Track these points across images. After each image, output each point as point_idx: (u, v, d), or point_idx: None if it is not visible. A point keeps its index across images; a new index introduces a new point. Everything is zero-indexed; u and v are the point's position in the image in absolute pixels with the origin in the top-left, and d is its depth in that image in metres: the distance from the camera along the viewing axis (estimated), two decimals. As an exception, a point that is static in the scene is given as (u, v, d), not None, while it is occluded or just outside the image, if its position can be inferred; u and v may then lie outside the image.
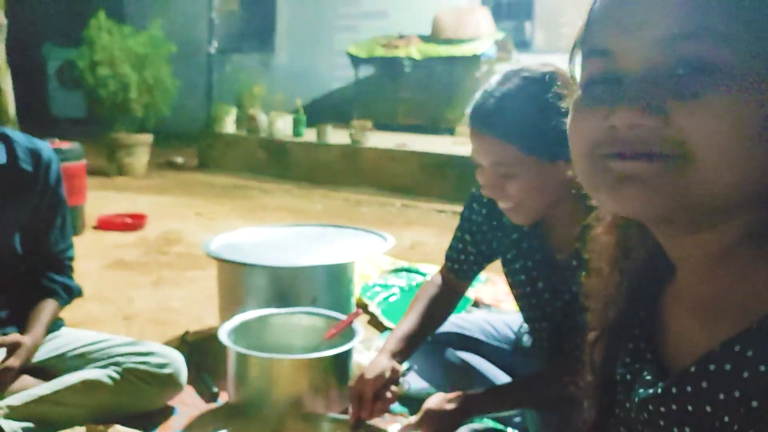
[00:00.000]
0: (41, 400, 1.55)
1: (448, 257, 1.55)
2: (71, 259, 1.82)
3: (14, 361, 1.53)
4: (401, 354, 1.43)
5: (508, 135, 1.20)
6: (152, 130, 6.45)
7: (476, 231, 1.48)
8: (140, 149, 6.38)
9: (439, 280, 1.58)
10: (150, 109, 6.32)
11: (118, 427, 1.48)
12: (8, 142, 1.63)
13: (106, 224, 4.00)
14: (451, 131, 6.48)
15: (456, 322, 1.70)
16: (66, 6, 9.85)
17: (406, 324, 1.48)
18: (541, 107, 1.11)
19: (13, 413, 1.51)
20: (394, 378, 1.39)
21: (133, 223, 4.08)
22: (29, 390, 1.57)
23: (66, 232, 1.79)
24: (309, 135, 6.56)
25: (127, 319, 2.52)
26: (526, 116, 1.17)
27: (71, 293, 1.78)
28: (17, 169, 1.63)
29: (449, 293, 1.56)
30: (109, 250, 3.52)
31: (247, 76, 7.14)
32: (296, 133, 6.64)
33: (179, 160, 7.15)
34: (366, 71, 7.51)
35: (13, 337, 1.57)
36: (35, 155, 1.67)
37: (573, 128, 0.60)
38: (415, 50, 7.05)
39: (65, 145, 3.66)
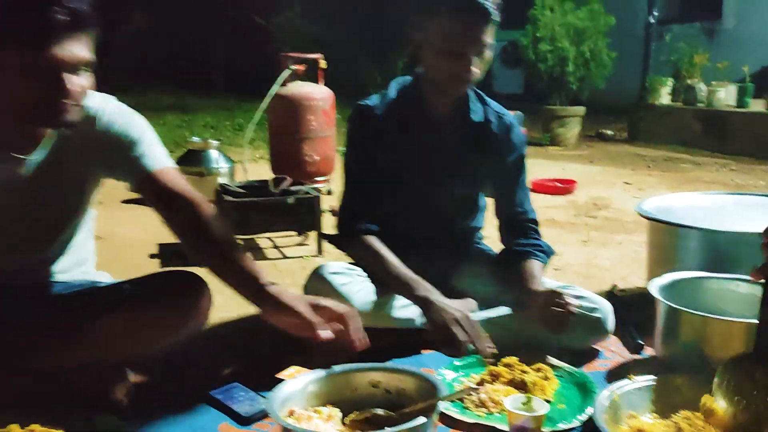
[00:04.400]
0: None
1: None
2: (535, 221, 1.96)
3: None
4: None
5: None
6: (585, 103, 6.62)
7: None
8: (572, 121, 6.62)
9: None
10: (585, 82, 6.48)
11: None
12: (484, 104, 1.92)
13: (539, 187, 4.33)
14: None
15: None
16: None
17: None
18: None
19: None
20: None
21: (564, 187, 4.33)
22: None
23: (527, 193, 1.99)
24: (755, 105, 5.90)
25: (557, 270, 2.73)
26: None
27: (547, 252, 1.92)
28: (488, 128, 1.90)
29: None
30: (541, 210, 3.80)
31: (687, 45, 6.74)
32: (741, 103, 6.05)
33: (609, 132, 7.19)
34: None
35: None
36: (500, 118, 1.93)
37: None
38: None
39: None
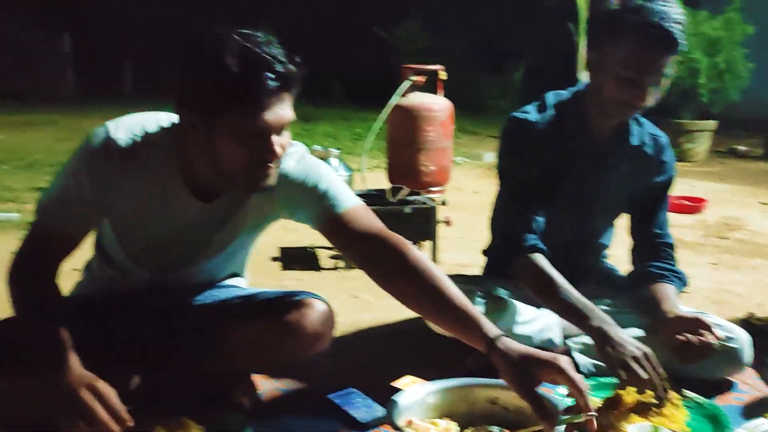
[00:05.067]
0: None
1: None
2: (672, 246, 1.88)
3: None
4: None
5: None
6: (716, 117, 6.24)
7: None
8: (702, 135, 6.26)
9: None
10: (717, 95, 6.12)
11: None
12: (639, 125, 1.84)
13: (665, 205, 4.11)
14: None
15: None
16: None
17: None
18: None
19: (588, 350, 1.74)
20: None
21: (693, 206, 4.09)
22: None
23: (667, 216, 1.90)
24: None
25: (685, 294, 2.58)
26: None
27: (682, 280, 1.84)
28: (643, 151, 1.82)
29: None
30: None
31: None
32: None
33: (742, 147, 6.74)
34: None
35: None
36: (655, 140, 1.85)
37: None
38: None
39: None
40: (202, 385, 1.52)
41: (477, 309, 1.35)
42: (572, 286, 1.71)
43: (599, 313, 1.57)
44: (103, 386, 1.20)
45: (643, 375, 1.45)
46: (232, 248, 1.57)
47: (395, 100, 3.83)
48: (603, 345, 1.52)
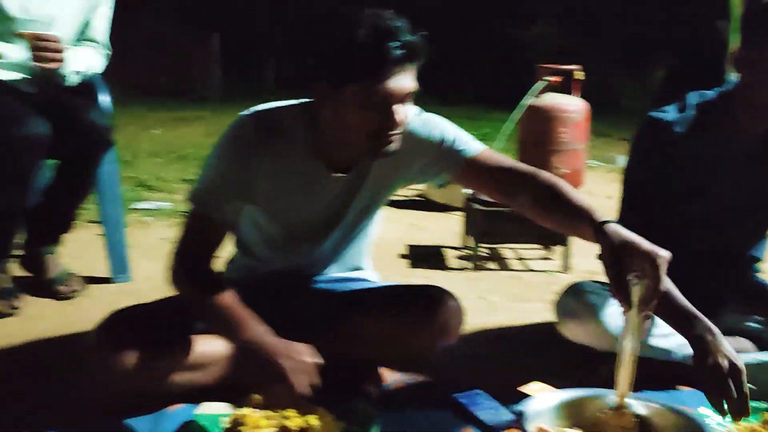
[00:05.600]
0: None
1: None
2: None
3: None
4: None
5: None
6: None
7: None
8: None
9: None
10: None
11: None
12: None
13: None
14: None
15: None
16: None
17: None
18: None
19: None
20: None
21: None
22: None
23: None
24: None
25: None
26: None
27: None
28: None
29: None
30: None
31: None
32: None
33: None
34: None
35: None
36: None
37: None
38: None
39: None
40: (331, 372, 1.58)
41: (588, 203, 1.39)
42: (718, 301, 1.60)
43: (704, 321, 1.44)
44: (299, 352, 1.36)
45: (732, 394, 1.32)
46: (361, 221, 1.63)
47: (529, 100, 3.76)
48: (702, 355, 1.39)
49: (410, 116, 1.47)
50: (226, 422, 1.31)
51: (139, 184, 4.18)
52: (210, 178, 1.48)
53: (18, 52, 2.11)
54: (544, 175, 1.49)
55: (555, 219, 1.46)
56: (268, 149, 1.45)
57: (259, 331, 1.40)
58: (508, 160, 1.55)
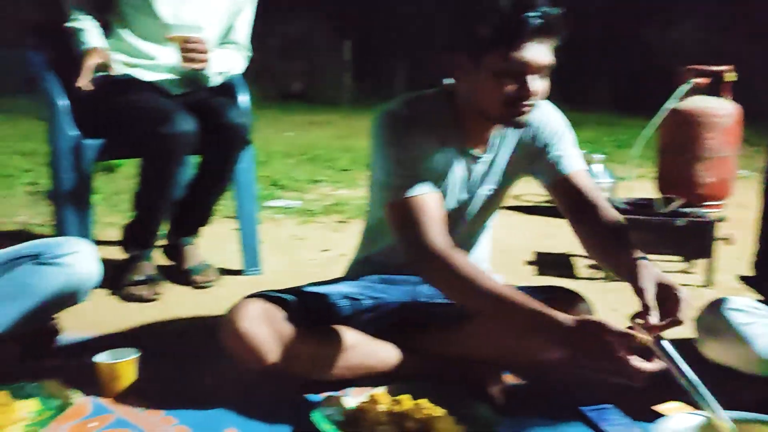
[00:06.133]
0: None
1: None
2: None
3: None
4: None
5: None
6: None
7: None
8: None
9: None
10: None
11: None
12: None
13: None
14: None
15: None
16: None
17: None
18: None
19: None
20: None
21: None
22: None
23: None
24: None
25: None
26: None
27: None
28: None
29: None
30: None
31: None
32: None
33: None
34: None
35: None
36: None
37: None
38: None
39: None
40: (456, 374, 1.55)
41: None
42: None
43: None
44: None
45: None
46: (486, 211, 1.65)
47: (672, 103, 3.54)
48: None
49: (544, 92, 1.45)
50: (345, 413, 1.32)
51: (272, 183, 4.36)
52: (395, 168, 1.47)
53: (168, 55, 2.26)
54: (613, 214, 1.53)
55: (610, 263, 1.50)
56: (417, 133, 1.48)
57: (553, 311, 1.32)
58: (595, 191, 1.57)
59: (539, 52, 1.35)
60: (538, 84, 1.39)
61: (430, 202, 1.45)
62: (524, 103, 1.39)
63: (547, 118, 1.59)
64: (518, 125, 1.45)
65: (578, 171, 1.59)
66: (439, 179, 1.52)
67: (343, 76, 10.37)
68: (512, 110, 1.40)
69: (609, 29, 10.23)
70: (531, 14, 1.31)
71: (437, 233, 1.41)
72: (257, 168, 2.72)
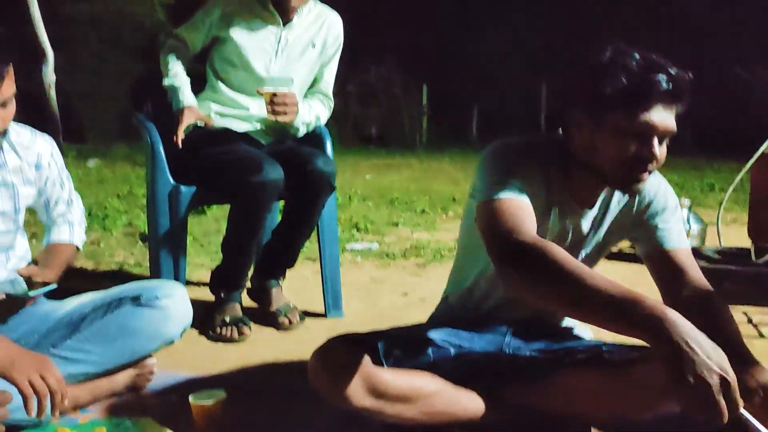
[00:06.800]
0: None
1: None
2: None
3: None
4: None
5: None
6: None
7: None
8: None
9: None
10: None
11: None
12: None
13: None
14: None
15: None
16: None
17: None
18: None
19: None
20: None
21: None
22: None
23: None
24: None
25: None
26: None
27: None
28: None
29: None
30: None
31: None
32: None
33: None
34: None
35: None
36: None
37: None
38: None
39: None
40: (541, 428, 1.52)
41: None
42: None
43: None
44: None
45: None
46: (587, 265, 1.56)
47: (766, 146, 3.40)
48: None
49: (663, 158, 1.39)
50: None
51: (352, 225, 4.43)
52: (493, 174, 1.40)
53: (260, 106, 2.37)
54: (717, 302, 1.43)
55: None
56: (528, 166, 1.42)
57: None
58: (695, 271, 1.50)
59: (666, 117, 1.33)
60: (661, 149, 1.36)
61: (526, 207, 1.34)
62: (644, 167, 1.36)
63: (658, 189, 1.56)
64: (633, 190, 1.42)
65: (680, 249, 1.53)
66: (540, 225, 1.43)
67: (420, 119, 10.50)
68: (631, 172, 1.37)
69: (696, 66, 10.00)
70: (661, 76, 1.31)
71: (530, 228, 1.28)
72: (338, 211, 2.78)
